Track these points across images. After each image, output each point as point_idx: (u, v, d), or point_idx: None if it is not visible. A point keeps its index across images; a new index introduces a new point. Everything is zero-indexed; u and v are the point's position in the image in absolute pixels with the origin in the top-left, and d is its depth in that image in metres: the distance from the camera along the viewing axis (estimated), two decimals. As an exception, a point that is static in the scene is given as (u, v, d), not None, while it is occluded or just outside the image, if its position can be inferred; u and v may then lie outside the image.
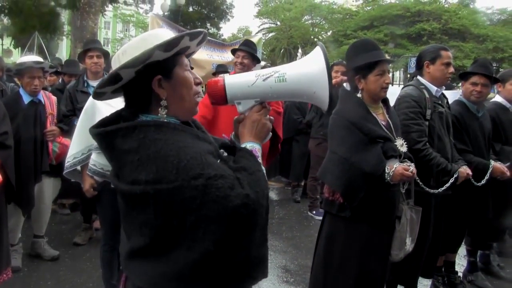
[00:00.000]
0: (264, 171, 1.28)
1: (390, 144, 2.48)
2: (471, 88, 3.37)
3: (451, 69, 3.04)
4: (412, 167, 2.45)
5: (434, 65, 3.04)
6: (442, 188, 2.86)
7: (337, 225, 2.56)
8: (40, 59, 3.74)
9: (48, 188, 3.88)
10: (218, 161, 1.25)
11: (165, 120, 1.28)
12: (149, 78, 1.27)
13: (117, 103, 2.37)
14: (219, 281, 1.23)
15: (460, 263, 4.09)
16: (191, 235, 1.17)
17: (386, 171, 2.39)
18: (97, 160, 2.68)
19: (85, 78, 4.03)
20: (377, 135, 2.44)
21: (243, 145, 1.34)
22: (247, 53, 3.89)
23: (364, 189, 2.40)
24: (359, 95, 2.57)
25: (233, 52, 4.07)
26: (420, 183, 2.81)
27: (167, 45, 1.23)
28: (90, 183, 2.84)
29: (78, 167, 2.91)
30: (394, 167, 2.39)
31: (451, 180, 2.86)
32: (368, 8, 31.06)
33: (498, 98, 3.89)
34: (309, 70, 1.33)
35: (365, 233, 2.46)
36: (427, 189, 2.83)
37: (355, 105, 2.54)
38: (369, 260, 2.48)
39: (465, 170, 2.97)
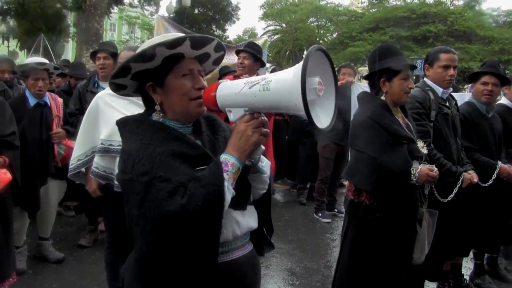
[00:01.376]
0: (226, 187, 1.20)
1: (414, 145, 2.52)
2: (482, 88, 3.38)
3: (451, 72, 3.02)
4: (436, 168, 2.50)
5: (432, 68, 3.07)
6: (451, 196, 2.85)
7: (363, 228, 2.54)
8: (44, 60, 3.74)
9: (53, 190, 3.87)
10: (201, 168, 1.26)
11: (161, 120, 1.37)
12: (145, 84, 1.39)
13: (121, 105, 2.44)
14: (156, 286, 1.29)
15: (467, 266, 4.07)
16: (136, 230, 1.23)
17: (412, 172, 2.41)
18: (100, 163, 2.67)
19: (96, 79, 4.03)
20: (401, 135, 2.46)
21: (220, 156, 1.27)
22: (248, 54, 3.89)
23: (392, 189, 2.41)
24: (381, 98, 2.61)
25: (237, 53, 4.07)
26: (434, 189, 2.81)
27: (139, 57, 1.31)
28: (96, 182, 2.83)
29: (83, 169, 2.90)
30: (419, 168, 2.43)
31: (458, 186, 2.86)
32: (373, 10, 30.94)
33: (504, 101, 3.92)
34: (287, 80, 1.16)
35: (391, 236, 2.46)
36: (438, 197, 2.83)
37: (379, 106, 2.56)
38: (394, 263, 2.49)
39: (470, 175, 2.97)
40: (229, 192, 1.21)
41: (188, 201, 1.14)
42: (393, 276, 2.51)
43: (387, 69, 2.54)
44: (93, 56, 4.05)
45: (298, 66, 1.15)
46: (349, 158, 5.20)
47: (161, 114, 1.37)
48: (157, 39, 1.35)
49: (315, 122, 1.15)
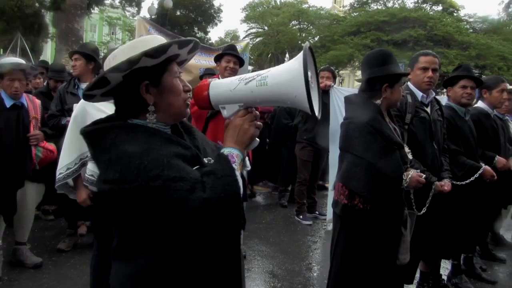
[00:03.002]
0: (239, 177, 1.24)
1: (404, 151, 2.54)
2: (461, 91, 3.44)
3: (429, 73, 3.07)
4: (424, 175, 2.56)
5: (413, 70, 3.13)
6: (424, 210, 2.87)
7: (355, 232, 2.53)
8: (20, 60, 3.66)
9: (31, 193, 3.80)
10: (197, 167, 1.26)
11: (154, 126, 1.32)
12: (137, 83, 1.31)
13: (109, 108, 2.38)
14: None
15: (444, 266, 4.14)
16: (150, 236, 1.19)
17: (404, 177, 2.46)
18: (94, 170, 2.63)
19: (75, 80, 3.98)
20: (394, 141, 2.47)
21: (222, 150, 1.31)
22: (236, 58, 3.89)
23: (389, 195, 2.44)
24: (375, 102, 2.59)
25: (219, 57, 4.01)
26: (413, 202, 2.81)
27: (155, 52, 1.26)
28: (87, 192, 2.80)
29: (69, 180, 2.83)
30: (410, 174, 2.48)
31: (430, 197, 2.89)
32: (355, 14, 31.21)
33: (480, 104, 4.00)
34: (288, 73, 1.28)
35: (382, 239, 2.47)
36: (415, 210, 2.84)
37: (374, 111, 2.54)
38: (385, 265, 2.50)
39: (439, 185, 3.00)
40: (240, 182, 1.25)
41: (211, 194, 1.14)
42: (385, 278, 2.52)
43: (391, 74, 2.55)
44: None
45: (297, 62, 1.25)
46: (329, 160, 5.26)
47: (154, 115, 1.33)
48: (153, 38, 1.33)
49: (315, 111, 1.26)
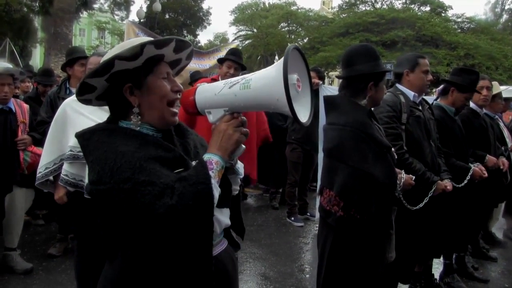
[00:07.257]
0: (213, 185, 1.20)
1: (392, 153, 2.45)
2: (463, 102, 3.56)
3: (429, 77, 3.11)
4: (414, 177, 2.57)
5: (412, 72, 3.07)
6: (421, 205, 2.84)
7: (351, 241, 2.38)
8: (9, 65, 3.63)
9: (20, 198, 3.76)
10: (180, 170, 1.25)
11: (137, 128, 1.32)
12: (122, 86, 1.32)
13: (89, 111, 2.37)
14: None
15: (436, 265, 4.15)
16: (121, 239, 1.20)
17: (397, 182, 2.44)
18: (69, 170, 2.64)
19: (67, 86, 3.94)
20: (384, 145, 2.36)
21: (203, 156, 1.28)
22: (239, 66, 3.87)
23: (386, 201, 2.38)
24: (361, 102, 2.45)
25: (221, 60, 4.00)
26: (403, 200, 2.78)
27: (129, 55, 1.26)
28: (64, 190, 2.80)
29: (51, 178, 2.84)
30: (403, 178, 2.47)
31: (429, 195, 2.87)
32: (343, 15, 31.38)
33: (470, 104, 3.99)
34: (269, 75, 1.22)
35: (376, 242, 2.41)
36: (408, 205, 2.80)
37: (363, 115, 2.39)
38: (379, 267, 2.47)
39: (444, 184, 3.00)
40: (216, 190, 1.22)
41: (178, 201, 1.12)
42: (378, 279, 2.50)
43: (378, 72, 2.42)
44: (73, 62, 3.89)
45: (279, 63, 1.19)
46: (318, 163, 5.25)
47: (138, 117, 1.32)
48: (139, 39, 1.32)
49: (297, 116, 1.19)
